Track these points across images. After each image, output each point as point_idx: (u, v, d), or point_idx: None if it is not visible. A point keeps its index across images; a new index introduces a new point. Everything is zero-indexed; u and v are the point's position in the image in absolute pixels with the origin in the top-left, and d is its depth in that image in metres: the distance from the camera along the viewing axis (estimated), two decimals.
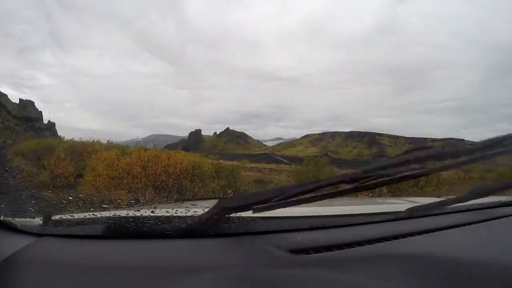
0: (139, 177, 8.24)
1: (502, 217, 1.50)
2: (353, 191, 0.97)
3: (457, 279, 0.84)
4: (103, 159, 9.47)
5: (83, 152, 14.18)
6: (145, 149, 10.34)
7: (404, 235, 1.16)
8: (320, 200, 1.01)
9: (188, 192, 8.49)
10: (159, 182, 8.49)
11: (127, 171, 8.38)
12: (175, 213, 1.16)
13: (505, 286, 0.84)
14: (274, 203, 0.96)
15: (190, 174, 9.28)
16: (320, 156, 25.69)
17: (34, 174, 11.79)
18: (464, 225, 1.35)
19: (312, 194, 0.97)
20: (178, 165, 9.02)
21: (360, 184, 0.94)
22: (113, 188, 7.77)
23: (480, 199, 1.61)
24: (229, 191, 9.78)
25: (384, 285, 0.81)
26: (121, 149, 12.13)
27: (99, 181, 8.26)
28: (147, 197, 7.26)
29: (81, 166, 12.25)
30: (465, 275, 0.86)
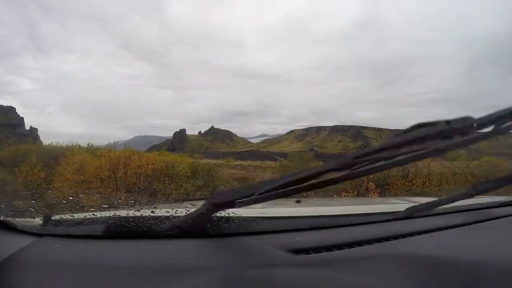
0: (108, 180, 7.89)
1: (502, 217, 1.47)
2: (345, 179, 0.91)
3: (457, 279, 0.83)
4: (71, 163, 9.13)
5: (60, 157, 13.82)
6: (115, 151, 9.98)
7: (404, 235, 1.15)
8: (308, 190, 0.93)
9: (159, 195, 8.31)
10: (131, 185, 8.21)
11: (95, 175, 8.01)
12: (175, 213, 1.15)
13: (505, 286, 0.82)
14: (258, 196, 0.91)
15: (162, 175, 8.97)
16: (305, 151, 25.69)
17: (9, 181, 11.39)
18: (464, 225, 1.33)
19: (300, 185, 0.88)
20: (150, 165, 8.77)
21: (353, 171, 0.86)
22: (82, 194, 7.36)
23: (480, 199, 1.63)
24: (205, 191, 9.48)
25: (384, 285, 0.81)
26: (91, 152, 11.73)
27: (67, 186, 7.93)
28: (116, 202, 6.84)
29: (55, 171, 11.92)
30: (465, 275, 0.85)
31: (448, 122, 0.84)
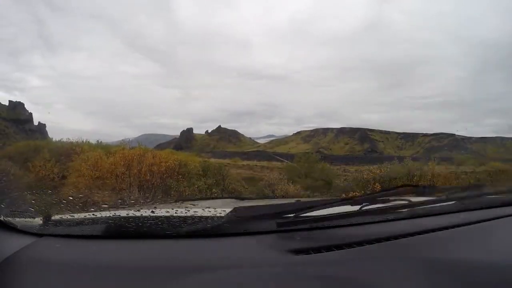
0: (122, 177, 8.06)
1: (502, 217, 1.49)
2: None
3: (457, 279, 0.85)
4: (86, 159, 9.29)
5: (71, 153, 13.99)
6: (129, 148, 10.17)
7: (404, 235, 1.16)
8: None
9: (173, 192, 8.40)
10: (144, 182, 8.35)
11: (110, 171, 8.18)
12: (175, 213, 1.18)
13: (505, 286, 0.84)
14: (299, 219, 1.05)
15: (175, 173, 9.12)
16: (312, 153, 25.65)
17: (20, 176, 11.60)
18: (464, 225, 1.34)
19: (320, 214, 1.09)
20: (163, 163, 8.90)
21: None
22: (96, 189, 7.58)
23: (480, 198, 1.64)
24: (217, 189, 9.59)
25: (384, 285, 0.82)
26: (105, 149, 11.90)
27: (82, 181, 8.11)
28: (131, 198, 7.04)
29: (68, 167, 12.10)
30: (465, 275, 0.86)
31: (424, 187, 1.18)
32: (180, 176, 9.30)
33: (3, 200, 1.44)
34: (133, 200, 6.78)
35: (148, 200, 6.97)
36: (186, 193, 8.37)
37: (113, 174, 8.16)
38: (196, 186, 9.03)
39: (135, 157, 8.86)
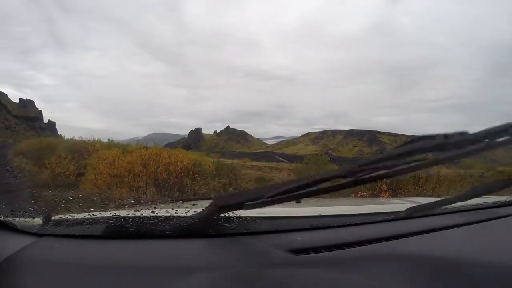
0: (140, 175, 8.26)
1: (502, 217, 1.49)
2: (350, 185, 0.92)
3: (457, 279, 0.84)
4: (104, 157, 9.50)
5: (83, 151, 14.26)
6: (146, 147, 10.41)
7: (404, 235, 1.16)
8: (315, 196, 0.97)
9: (189, 191, 8.51)
10: (160, 181, 8.52)
11: (128, 170, 8.40)
12: (175, 213, 1.15)
13: (505, 286, 0.83)
14: (267, 200, 0.94)
15: (191, 172, 9.32)
16: (321, 155, 25.64)
17: (35, 173, 11.82)
18: (464, 225, 1.34)
19: (308, 190, 0.93)
20: (179, 163, 9.05)
21: (358, 178, 0.89)
22: (114, 187, 7.81)
23: (480, 198, 1.63)
24: (230, 189, 9.76)
25: (384, 285, 0.81)
26: (122, 148, 12.12)
27: (100, 179, 8.29)
28: (148, 196, 7.29)
29: (82, 165, 12.32)
30: (465, 275, 0.86)
31: (445, 136, 0.89)
32: (196, 175, 9.44)
33: (17, 196, 1.45)
34: (150, 198, 7.07)
35: (166, 198, 7.22)
36: (202, 192, 8.47)
37: (130, 173, 8.35)
38: (211, 185, 9.21)
39: (151, 156, 9.09)
